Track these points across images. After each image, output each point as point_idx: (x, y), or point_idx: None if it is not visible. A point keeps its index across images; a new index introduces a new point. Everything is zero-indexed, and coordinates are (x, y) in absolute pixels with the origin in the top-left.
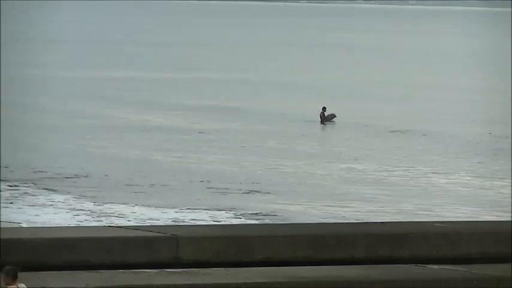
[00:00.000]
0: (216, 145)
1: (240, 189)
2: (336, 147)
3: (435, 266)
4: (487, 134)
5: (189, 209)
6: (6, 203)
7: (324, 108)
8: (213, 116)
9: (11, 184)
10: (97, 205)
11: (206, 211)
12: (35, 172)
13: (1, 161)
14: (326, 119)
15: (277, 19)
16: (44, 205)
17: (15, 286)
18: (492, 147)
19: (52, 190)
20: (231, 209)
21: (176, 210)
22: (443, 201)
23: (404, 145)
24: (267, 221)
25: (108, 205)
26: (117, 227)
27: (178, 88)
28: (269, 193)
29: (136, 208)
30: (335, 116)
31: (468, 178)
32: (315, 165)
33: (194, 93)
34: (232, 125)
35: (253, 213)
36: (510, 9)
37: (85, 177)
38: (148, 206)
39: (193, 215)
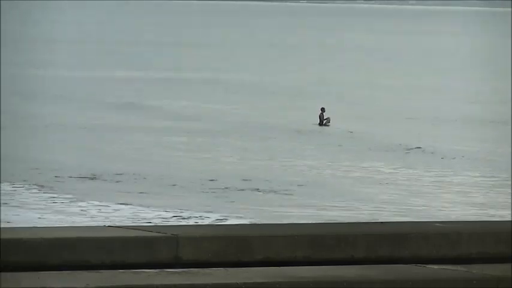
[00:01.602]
0: (217, 146)
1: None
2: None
3: (435, 266)
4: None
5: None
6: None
7: (323, 109)
8: (212, 117)
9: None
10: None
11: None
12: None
13: (1, 162)
14: (326, 121)
15: (278, 19)
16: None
17: None
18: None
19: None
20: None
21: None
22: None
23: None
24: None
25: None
26: (117, 227)
27: (179, 88)
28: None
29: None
30: (329, 121)
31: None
32: (320, 166)
33: (194, 94)
34: (230, 126)
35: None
36: (510, 9)
37: (84, 176)
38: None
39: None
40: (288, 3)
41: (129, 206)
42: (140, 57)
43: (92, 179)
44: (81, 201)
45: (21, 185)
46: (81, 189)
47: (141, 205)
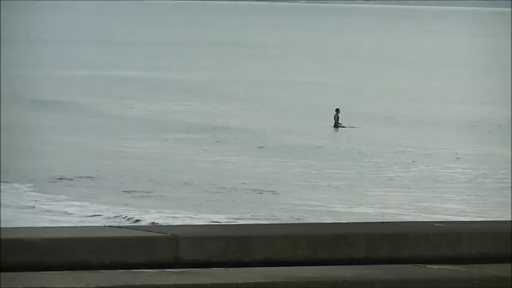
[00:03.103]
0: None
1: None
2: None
3: (435, 266)
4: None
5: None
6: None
7: (338, 110)
8: (213, 118)
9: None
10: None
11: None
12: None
13: (1, 163)
14: (339, 122)
15: (279, 19)
16: None
17: None
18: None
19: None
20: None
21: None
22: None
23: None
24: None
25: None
26: (117, 227)
27: (183, 88)
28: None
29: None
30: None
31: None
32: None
33: (197, 94)
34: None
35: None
36: (510, 9)
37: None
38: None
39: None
40: (286, 3)
41: None
42: (140, 56)
43: None
44: None
45: None
46: None
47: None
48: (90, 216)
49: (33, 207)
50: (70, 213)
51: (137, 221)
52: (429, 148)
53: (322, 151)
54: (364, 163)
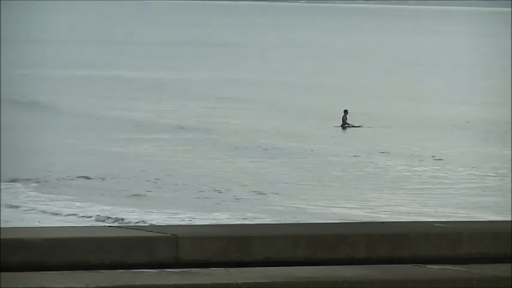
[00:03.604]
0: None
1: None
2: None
3: (435, 266)
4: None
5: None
6: None
7: (346, 111)
8: (213, 118)
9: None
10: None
11: None
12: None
13: (1, 162)
14: (347, 122)
15: (279, 19)
16: None
17: None
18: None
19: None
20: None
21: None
22: None
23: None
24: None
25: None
26: (117, 227)
27: (183, 88)
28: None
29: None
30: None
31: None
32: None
33: (197, 94)
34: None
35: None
36: (510, 9)
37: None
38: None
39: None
40: (286, 3)
41: None
42: (141, 56)
43: None
44: None
45: None
46: None
47: None
48: (78, 216)
49: (18, 207)
50: (60, 214)
51: (122, 219)
52: (429, 148)
53: (323, 152)
54: (366, 163)
